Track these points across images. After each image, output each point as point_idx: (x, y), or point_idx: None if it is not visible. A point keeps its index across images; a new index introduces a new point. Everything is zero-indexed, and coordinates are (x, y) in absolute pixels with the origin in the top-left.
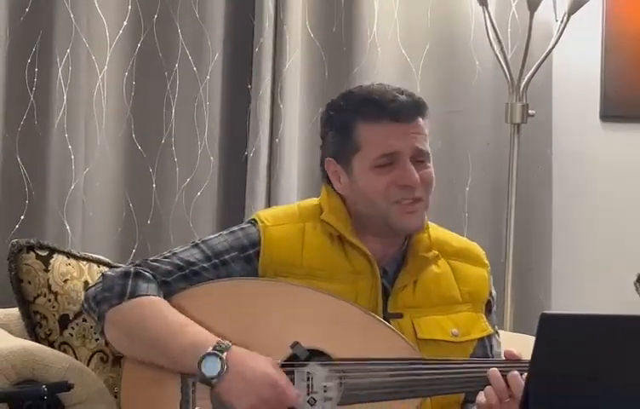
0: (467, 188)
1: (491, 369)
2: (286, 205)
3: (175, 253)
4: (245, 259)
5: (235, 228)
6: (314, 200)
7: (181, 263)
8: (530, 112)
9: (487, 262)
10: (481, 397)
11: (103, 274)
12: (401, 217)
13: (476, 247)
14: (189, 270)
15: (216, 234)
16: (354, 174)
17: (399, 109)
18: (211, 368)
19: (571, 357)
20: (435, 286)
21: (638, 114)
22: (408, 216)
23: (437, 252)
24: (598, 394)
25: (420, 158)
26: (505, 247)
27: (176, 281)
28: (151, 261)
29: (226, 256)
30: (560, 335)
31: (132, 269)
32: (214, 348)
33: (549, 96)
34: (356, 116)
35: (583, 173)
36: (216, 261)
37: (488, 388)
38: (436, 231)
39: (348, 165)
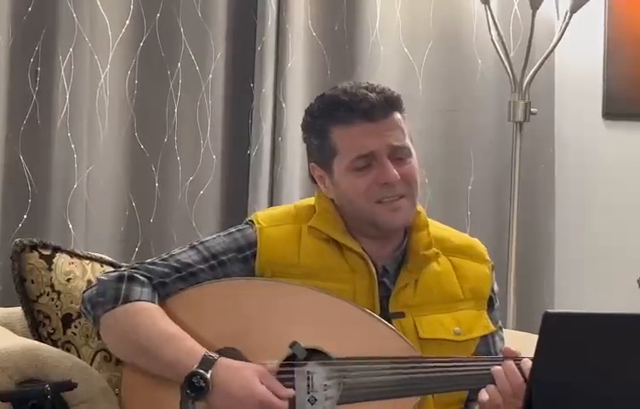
0: (470, 187)
1: (495, 367)
2: (283, 206)
3: (173, 255)
4: (242, 260)
5: (232, 229)
6: (310, 200)
7: (178, 265)
8: (532, 110)
9: (488, 258)
10: (483, 395)
11: (98, 278)
12: (385, 216)
13: (477, 243)
14: (186, 272)
15: (214, 235)
16: (335, 177)
17: (370, 108)
18: (196, 387)
19: (574, 356)
20: (436, 284)
21: None
22: (391, 214)
23: (437, 250)
24: (601, 393)
25: (398, 155)
26: (507, 245)
27: (174, 283)
28: (148, 263)
29: (223, 258)
30: (563, 334)
31: (126, 273)
32: (199, 365)
33: (551, 94)
34: (329, 120)
35: (585, 171)
36: (213, 262)
37: (492, 387)
38: (435, 228)
39: (329, 169)
